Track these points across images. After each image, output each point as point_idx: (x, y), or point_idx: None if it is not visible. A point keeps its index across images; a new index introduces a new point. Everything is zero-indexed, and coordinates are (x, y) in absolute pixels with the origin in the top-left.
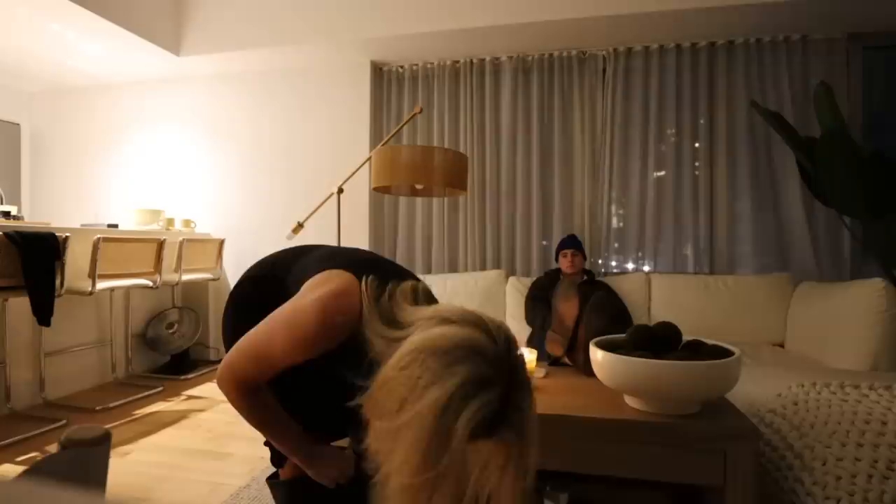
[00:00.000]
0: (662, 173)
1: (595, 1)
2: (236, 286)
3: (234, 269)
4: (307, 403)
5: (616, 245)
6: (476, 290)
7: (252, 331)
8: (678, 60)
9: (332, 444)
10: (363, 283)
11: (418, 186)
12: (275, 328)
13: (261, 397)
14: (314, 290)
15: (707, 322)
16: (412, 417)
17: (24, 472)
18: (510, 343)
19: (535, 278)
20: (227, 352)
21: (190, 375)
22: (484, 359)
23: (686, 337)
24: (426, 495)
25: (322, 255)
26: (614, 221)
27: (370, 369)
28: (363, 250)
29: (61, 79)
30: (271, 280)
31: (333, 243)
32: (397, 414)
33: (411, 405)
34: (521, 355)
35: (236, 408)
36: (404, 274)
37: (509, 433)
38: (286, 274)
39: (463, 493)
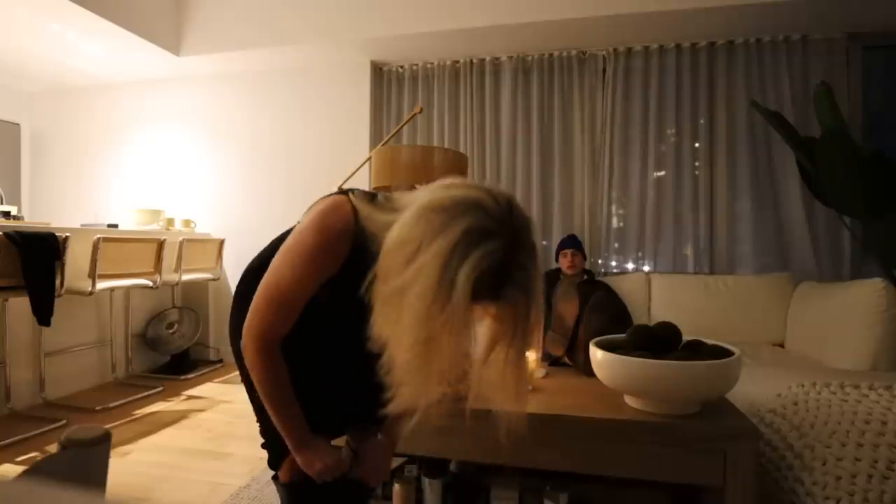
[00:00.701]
0: (662, 173)
1: (595, 1)
2: (240, 282)
3: (234, 269)
4: (324, 366)
5: (616, 245)
6: None
7: (260, 282)
8: (678, 60)
9: (330, 442)
10: (350, 195)
11: (418, 186)
12: (279, 264)
13: (277, 360)
14: (308, 215)
15: (707, 322)
16: (417, 270)
17: (24, 472)
18: (512, 204)
19: None
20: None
21: (190, 375)
22: (487, 213)
23: (686, 337)
24: (432, 357)
25: None
26: (614, 221)
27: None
28: None
29: (61, 79)
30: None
31: None
32: (403, 272)
33: (416, 260)
34: (528, 218)
35: (254, 369)
36: None
37: (514, 292)
38: None
39: (465, 355)
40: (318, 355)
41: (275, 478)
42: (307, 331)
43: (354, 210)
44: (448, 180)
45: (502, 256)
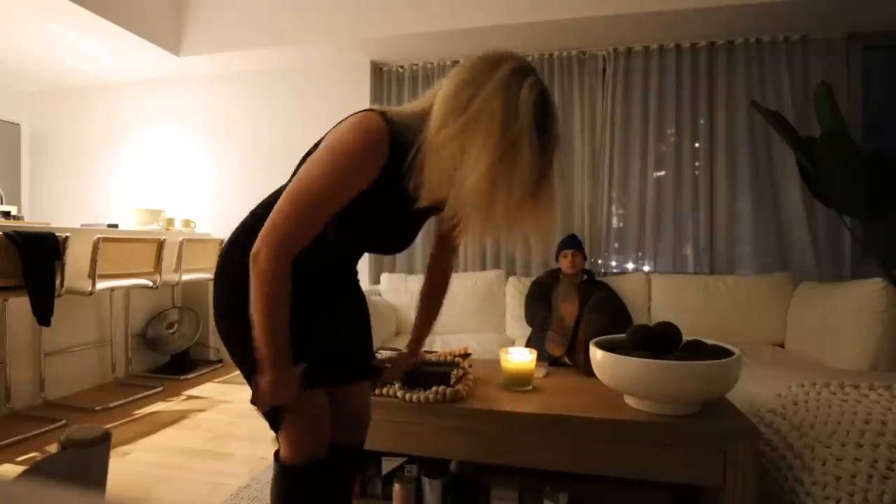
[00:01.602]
0: (662, 173)
1: (595, 1)
2: (229, 251)
3: None
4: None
5: (616, 245)
6: (476, 290)
7: (287, 189)
8: (678, 60)
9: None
10: (373, 108)
11: None
12: (313, 167)
13: (288, 275)
14: (337, 129)
15: (707, 322)
16: (481, 102)
17: (24, 472)
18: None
19: (534, 278)
20: (230, 341)
21: (190, 375)
22: (515, 57)
23: (686, 337)
24: (501, 182)
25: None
26: (614, 221)
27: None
28: None
29: (61, 79)
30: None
31: None
32: (462, 114)
33: (475, 99)
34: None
35: (263, 281)
36: None
37: (554, 124)
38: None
39: (533, 181)
40: (316, 284)
41: (276, 455)
42: (312, 255)
43: (384, 115)
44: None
45: (543, 87)
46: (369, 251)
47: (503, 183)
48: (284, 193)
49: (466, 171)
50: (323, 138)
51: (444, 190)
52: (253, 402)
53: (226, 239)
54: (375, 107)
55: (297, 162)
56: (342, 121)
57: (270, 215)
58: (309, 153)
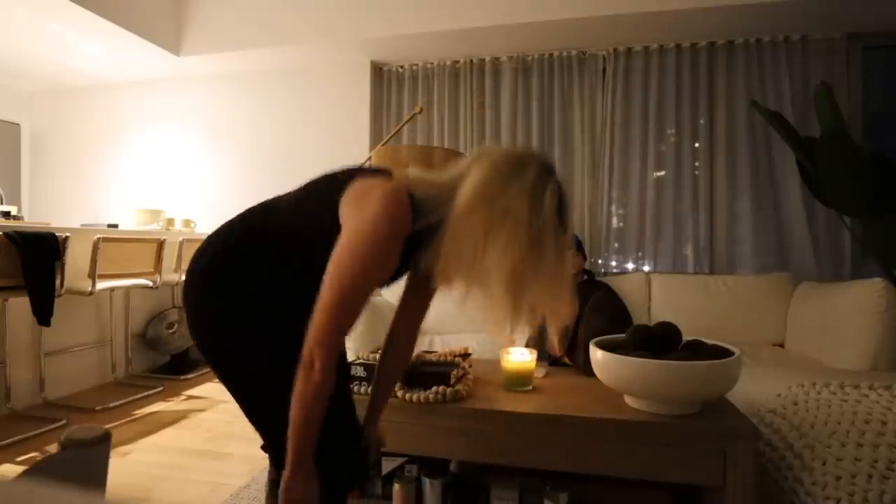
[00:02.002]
0: (662, 173)
1: (595, 1)
2: (215, 265)
3: None
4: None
5: (616, 245)
6: None
7: (326, 283)
8: (678, 60)
9: None
10: (394, 177)
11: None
12: (349, 260)
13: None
14: (363, 206)
15: (707, 322)
16: (504, 209)
17: (24, 472)
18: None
19: None
20: (214, 358)
21: (190, 375)
22: (539, 160)
23: (686, 337)
24: (529, 270)
25: (314, 188)
26: (614, 221)
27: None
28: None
29: (61, 79)
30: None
31: None
32: (487, 211)
33: (499, 199)
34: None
35: (318, 381)
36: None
37: (568, 222)
38: (285, 228)
39: (557, 272)
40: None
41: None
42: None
43: (410, 194)
44: (485, 148)
45: (562, 191)
46: None
47: (527, 277)
48: (329, 289)
49: (490, 265)
50: (340, 179)
51: (458, 275)
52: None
53: (209, 253)
54: (398, 177)
55: (296, 162)
56: (363, 180)
57: (320, 317)
58: (319, 189)
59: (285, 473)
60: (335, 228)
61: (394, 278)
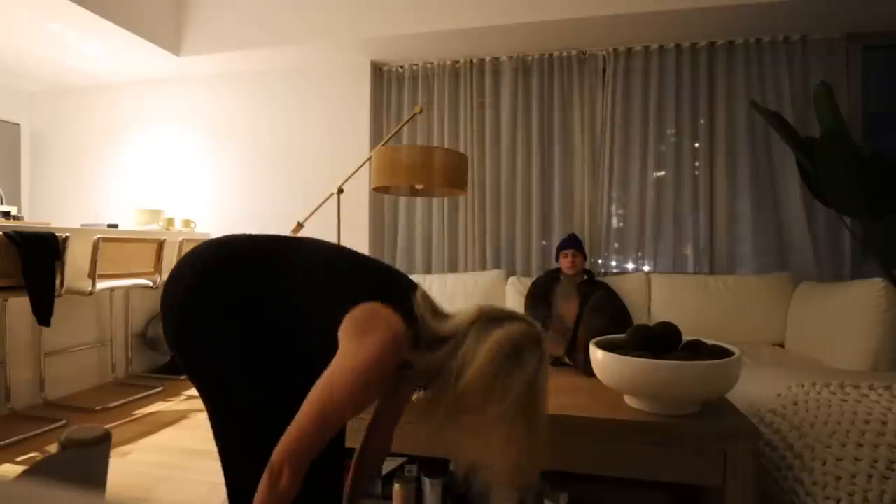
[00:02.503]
0: (662, 173)
1: (595, 1)
2: (192, 292)
3: None
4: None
5: (616, 245)
6: (476, 290)
7: (309, 402)
8: (678, 60)
9: None
10: (401, 320)
11: (418, 186)
12: (338, 385)
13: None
14: (364, 338)
15: (707, 322)
16: (509, 403)
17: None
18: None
19: (534, 278)
20: (195, 375)
21: None
22: (536, 341)
23: (686, 337)
24: (527, 439)
25: (335, 278)
26: (614, 221)
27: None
28: (358, 256)
29: (61, 79)
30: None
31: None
32: (496, 404)
33: (505, 396)
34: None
35: (281, 497)
36: (402, 279)
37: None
38: (285, 288)
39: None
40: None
41: None
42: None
43: (406, 338)
44: (485, 310)
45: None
46: None
47: (527, 445)
48: (309, 413)
49: (488, 459)
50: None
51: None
52: None
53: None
54: (405, 310)
55: (296, 162)
56: (369, 309)
57: (295, 434)
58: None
59: None
60: (333, 331)
61: None
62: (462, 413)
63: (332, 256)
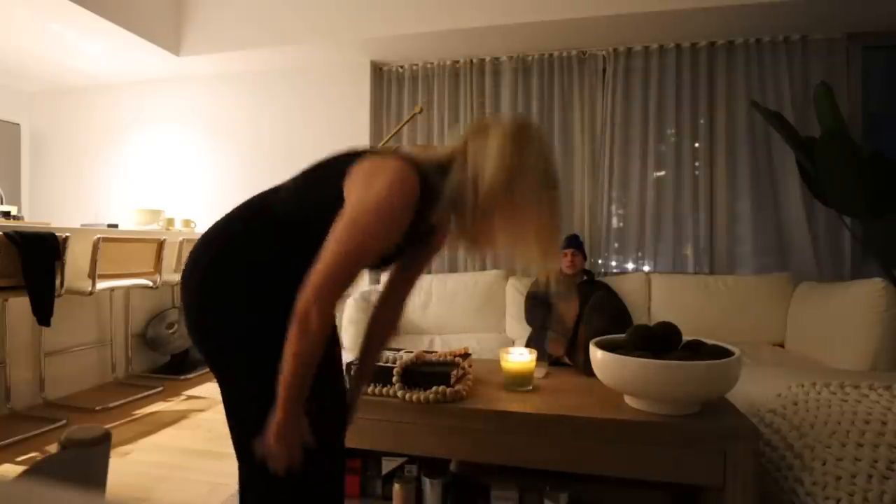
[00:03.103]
0: (662, 173)
1: (595, 1)
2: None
3: None
4: None
5: (616, 245)
6: (476, 290)
7: (330, 244)
8: (678, 60)
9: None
10: (400, 156)
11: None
12: (359, 224)
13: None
14: (372, 180)
15: (707, 322)
16: (532, 179)
17: (24, 472)
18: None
19: (534, 278)
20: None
21: (190, 375)
22: (528, 120)
23: (686, 337)
24: (552, 221)
25: (320, 170)
26: (614, 221)
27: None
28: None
29: (61, 79)
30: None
31: None
32: (521, 185)
33: (526, 175)
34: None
35: (310, 336)
36: (378, 148)
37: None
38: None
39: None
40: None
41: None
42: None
43: (417, 168)
44: (476, 122)
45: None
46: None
47: (551, 230)
48: (330, 251)
49: (521, 233)
50: (342, 161)
51: (491, 237)
52: (263, 449)
53: (204, 252)
54: (404, 155)
55: (296, 162)
56: (372, 158)
57: (319, 272)
58: (320, 171)
59: (277, 418)
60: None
61: (389, 260)
62: (492, 218)
63: (303, 170)
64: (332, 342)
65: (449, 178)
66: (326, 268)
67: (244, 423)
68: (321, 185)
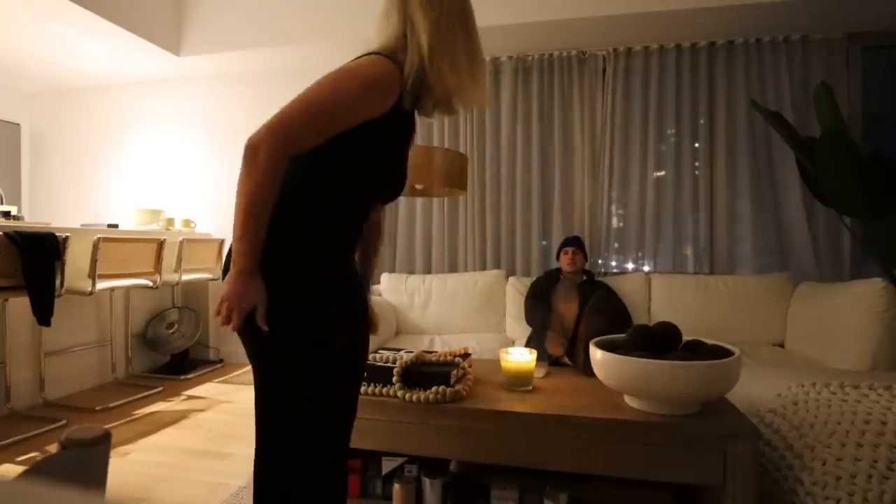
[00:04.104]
0: (662, 173)
1: (595, 1)
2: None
3: None
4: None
5: (616, 245)
6: (476, 290)
7: (306, 91)
8: (678, 60)
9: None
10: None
11: (418, 186)
12: (335, 79)
13: (279, 175)
14: (356, 62)
15: (707, 322)
16: (465, 28)
17: (24, 472)
18: None
19: (534, 278)
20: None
21: (190, 375)
22: None
23: (686, 337)
24: (477, 58)
25: None
26: (614, 221)
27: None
28: None
29: (61, 79)
30: None
31: None
32: (454, 30)
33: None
34: None
35: (256, 173)
36: None
37: None
38: None
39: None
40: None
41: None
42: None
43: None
44: None
45: None
46: (378, 195)
47: (476, 58)
48: (298, 97)
49: (455, 72)
50: None
51: (452, 82)
52: (218, 310)
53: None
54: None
55: None
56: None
57: (280, 112)
58: None
59: (230, 273)
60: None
61: (395, 191)
62: (439, 64)
63: None
64: (360, 320)
65: (408, 56)
66: (289, 108)
67: (261, 412)
68: None
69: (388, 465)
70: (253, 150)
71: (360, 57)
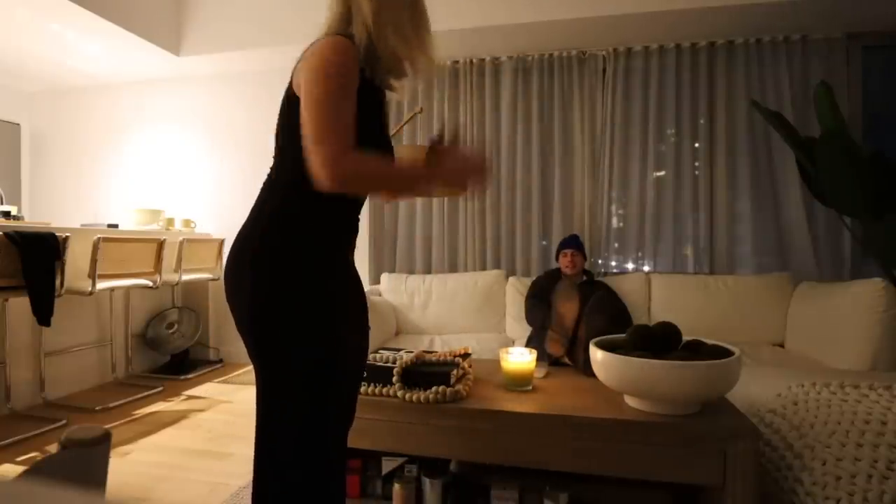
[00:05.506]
0: (662, 173)
1: (595, 1)
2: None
3: None
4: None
5: (616, 245)
6: (476, 290)
7: (310, 111)
8: (678, 60)
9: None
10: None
11: None
12: (318, 81)
13: (362, 156)
14: (316, 52)
15: (707, 322)
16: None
17: (24, 472)
18: None
19: (534, 278)
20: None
21: (190, 375)
22: None
23: (686, 337)
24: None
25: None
26: (614, 221)
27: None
28: None
29: (61, 79)
30: None
31: None
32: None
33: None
34: None
35: (364, 175)
36: None
37: None
38: None
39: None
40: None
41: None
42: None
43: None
44: None
45: None
46: None
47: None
48: (307, 119)
49: (409, 46)
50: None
51: (399, 47)
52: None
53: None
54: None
55: None
56: (311, 49)
57: (308, 123)
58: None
59: (431, 182)
60: None
61: (386, 143)
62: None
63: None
64: (361, 320)
65: (356, 32)
66: (313, 117)
67: (263, 412)
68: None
69: (388, 465)
70: (329, 182)
71: (313, 43)
